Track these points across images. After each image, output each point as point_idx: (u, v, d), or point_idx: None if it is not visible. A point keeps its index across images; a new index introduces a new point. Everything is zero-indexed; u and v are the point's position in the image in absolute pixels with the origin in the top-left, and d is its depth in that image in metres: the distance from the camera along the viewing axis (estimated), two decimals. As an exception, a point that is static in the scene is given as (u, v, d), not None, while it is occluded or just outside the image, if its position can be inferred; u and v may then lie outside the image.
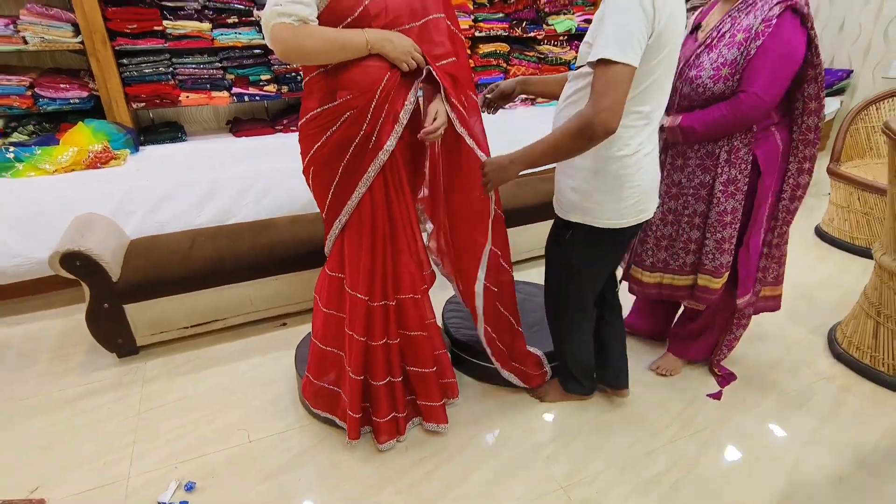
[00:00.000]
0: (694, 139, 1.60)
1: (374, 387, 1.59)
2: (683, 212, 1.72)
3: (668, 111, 1.66)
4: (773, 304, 1.91)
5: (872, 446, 1.72)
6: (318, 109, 1.37)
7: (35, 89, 2.95)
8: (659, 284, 1.88)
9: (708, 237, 1.70)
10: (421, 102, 1.52)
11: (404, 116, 1.41)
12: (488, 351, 1.78)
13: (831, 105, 4.50)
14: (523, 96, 3.05)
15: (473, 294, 1.64)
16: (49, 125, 3.11)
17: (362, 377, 1.57)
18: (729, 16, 1.52)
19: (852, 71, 4.64)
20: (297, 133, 1.46)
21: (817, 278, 2.76)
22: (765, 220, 1.70)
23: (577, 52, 4.51)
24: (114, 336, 2.08)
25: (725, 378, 2.01)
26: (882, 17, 4.41)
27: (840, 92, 4.65)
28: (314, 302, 1.66)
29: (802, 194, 1.68)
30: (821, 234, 3.23)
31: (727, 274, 1.75)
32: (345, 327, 1.55)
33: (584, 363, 1.79)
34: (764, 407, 1.89)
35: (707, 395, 1.94)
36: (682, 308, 2.09)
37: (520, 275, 1.87)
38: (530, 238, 2.82)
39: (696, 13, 1.71)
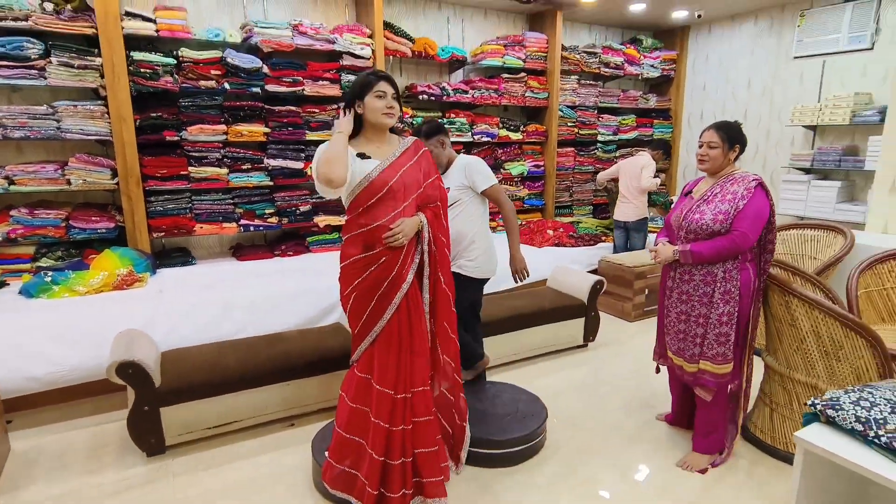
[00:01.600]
0: (702, 260, 2.30)
1: (391, 466, 1.98)
2: (692, 313, 2.37)
3: (675, 243, 2.41)
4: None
5: (775, 507, 2.21)
6: (361, 255, 1.93)
7: (69, 221, 3.41)
8: (681, 367, 2.47)
9: (709, 332, 2.33)
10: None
11: (417, 256, 1.99)
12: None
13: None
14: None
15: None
16: (75, 251, 3.52)
17: (383, 458, 1.96)
18: (719, 185, 2.32)
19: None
20: (339, 272, 2.01)
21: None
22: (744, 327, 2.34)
23: (528, 189, 5.39)
24: (148, 436, 2.38)
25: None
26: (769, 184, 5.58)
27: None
28: (340, 399, 2.09)
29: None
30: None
31: (728, 365, 2.31)
32: (371, 417, 1.97)
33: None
34: (696, 478, 2.37)
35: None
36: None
37: (500, 376, 2.36)
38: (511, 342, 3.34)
39: (686, 185, 2.54)
